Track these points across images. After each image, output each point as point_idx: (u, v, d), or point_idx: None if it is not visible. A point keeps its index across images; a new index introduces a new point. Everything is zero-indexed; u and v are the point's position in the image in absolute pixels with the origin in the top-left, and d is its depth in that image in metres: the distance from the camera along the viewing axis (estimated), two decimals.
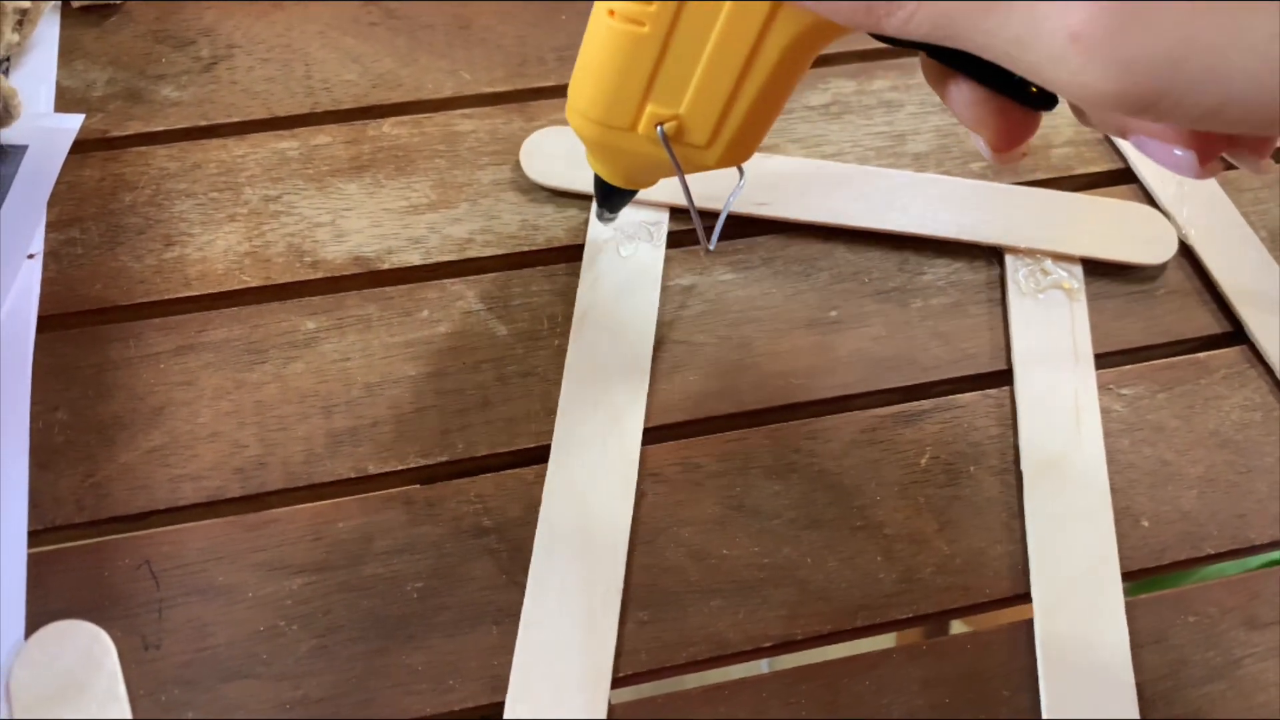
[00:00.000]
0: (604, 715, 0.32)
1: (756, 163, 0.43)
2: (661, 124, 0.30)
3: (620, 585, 0.34)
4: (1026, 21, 0.21)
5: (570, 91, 0.31)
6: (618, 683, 0.33)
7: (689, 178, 0.32)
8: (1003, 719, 0.33)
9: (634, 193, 0.36)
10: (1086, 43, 0.20)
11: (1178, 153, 0.25)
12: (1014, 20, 0.21)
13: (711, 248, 0.38)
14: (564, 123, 0.44)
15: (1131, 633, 0.34)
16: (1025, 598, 0.35)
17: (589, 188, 0.41)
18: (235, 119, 0.44)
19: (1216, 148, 0.25)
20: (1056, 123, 0.46)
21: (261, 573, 0.34)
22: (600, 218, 0.38)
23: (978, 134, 0.27)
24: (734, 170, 0.33)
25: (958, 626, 0.38)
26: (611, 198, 0.36)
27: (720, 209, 0.38)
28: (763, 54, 0.27)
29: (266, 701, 0.32)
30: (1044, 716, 0.32)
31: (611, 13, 0.28)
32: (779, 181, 0.42)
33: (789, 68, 0.28)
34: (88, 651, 0.32)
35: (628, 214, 0.41)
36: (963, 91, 0.26)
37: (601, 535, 0.35)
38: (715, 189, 0.38)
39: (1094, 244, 0.42)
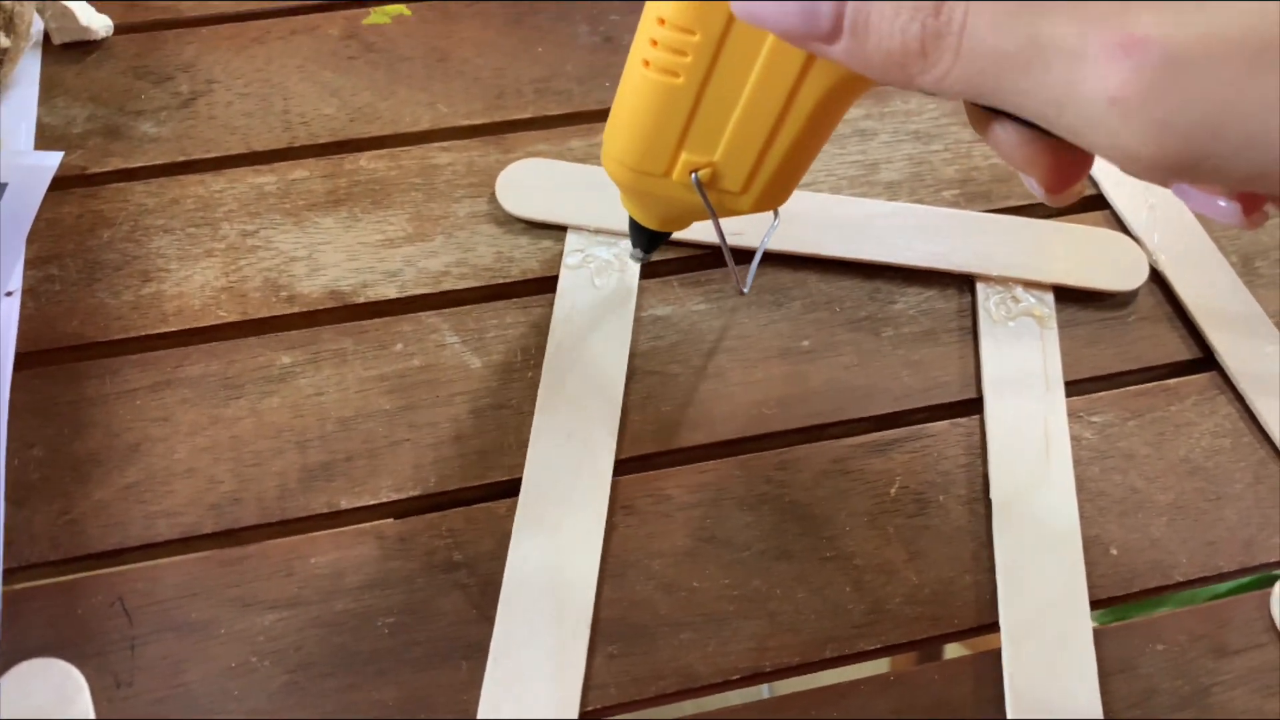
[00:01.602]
0: None
1: None
2: (696, 171, 0.30)
3: (589, 619, 0.34)
4: (1064, 83, 0.20)
5: (605, 138, 0.31)
6: (587, 716, 0.33)
7: (723, 222, 0.32)
8: None
9: (668, 235, 0.36)
10: (1125, 106, 0.20)
11: (1222, 204, 0.24)
12: (1051, 81, 0.20)
13: (746, 290, 0.38)
14: (540, 154, 0.44)
15: (1100, 661, 0.34)
16: (993, 627, 0.35)
17: (564, 219, 0.42)
18: (213, 154, 0.44)
19: (1262, 199, 0.24)
20: None
21: (235, 609, 0.35)
22: (633, 258, 0.38)
23: (1029, 175, 0.26)
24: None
25: (955, 650, 0.38)
26: (646, 240, 0.36)
27: (727, 247, 0.39)
28: (797, 104, 0.28)
29: None
30: None
31: (646, 63, 0.28)
32: None
33: (823, 117, 0.28)
34: (60, 689, 0.33)
35: (601, 247, 0.41)
36: (1009, 133, 0.25)
37: (571, 568, 0.35)
38: (731, 228, 0.39)
39: (1065, 271, 0.42)
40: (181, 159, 0.44)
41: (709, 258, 0.42)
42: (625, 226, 0.41)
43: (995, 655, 0.34)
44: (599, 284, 0.41)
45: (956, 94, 0.22)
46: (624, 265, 0.41)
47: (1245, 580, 0.37)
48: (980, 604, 0.35)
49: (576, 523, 0.36)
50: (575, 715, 0.32)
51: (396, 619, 0.35)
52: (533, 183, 0.43)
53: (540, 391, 0.38)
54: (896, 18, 0.22)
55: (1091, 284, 0.42)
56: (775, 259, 0.42)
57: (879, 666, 0.35)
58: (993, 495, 0.37)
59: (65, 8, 0.45)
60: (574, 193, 0.43)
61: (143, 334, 0.40)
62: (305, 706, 0.33)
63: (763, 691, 0.36)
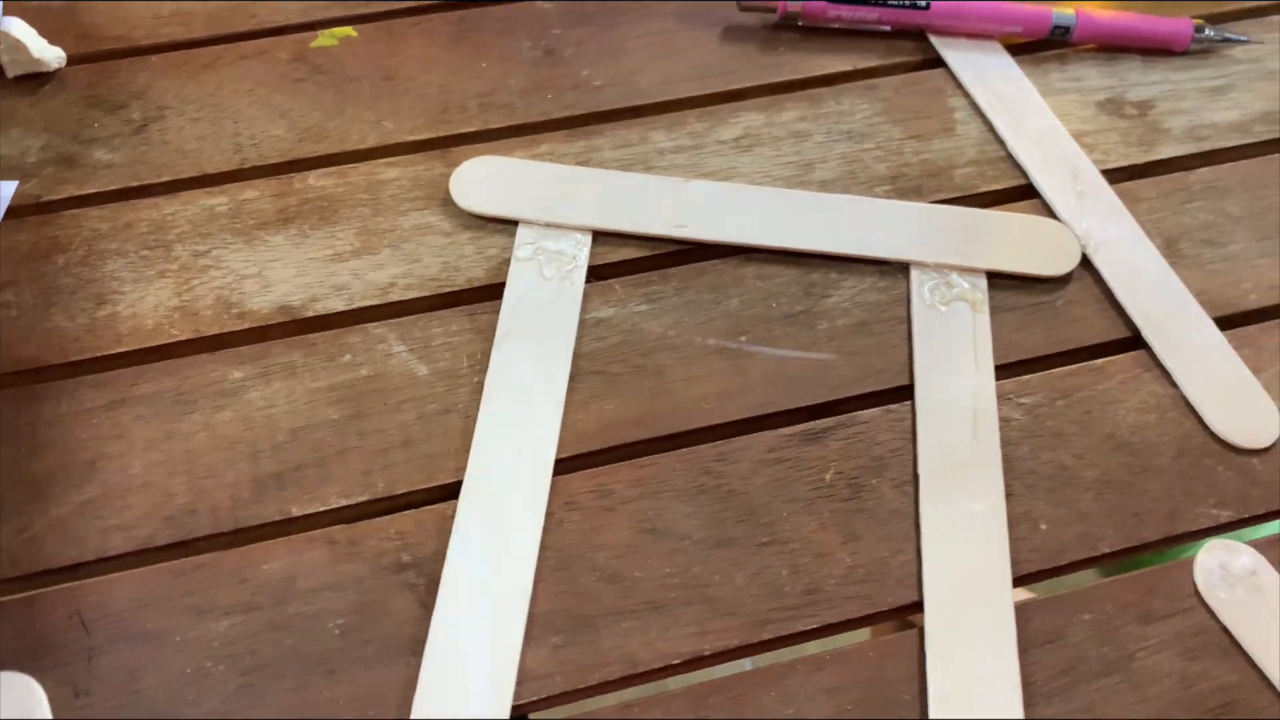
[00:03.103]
0: None
1: (674, 186, 0.44)
2: None
3: (525, 611, 0.35)
4: None
5: None
6: (532, 706, 0.34)
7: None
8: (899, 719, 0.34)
9: None
10: None
11: None
12: None
13: None
14: (492, 152, 0.46)
15: (1030, 632, 0.36)
16: (923, 604, 0.36)
17: (516, 213, 0.43)
18: (166, 178, 0.45)
19: None
20: (959, 144, 0.47)
21: (190, 617, 0.36)
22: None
23: None
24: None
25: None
26: None
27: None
28: None
29: None
30: (930, 717, 0.34)
31: None
32: (697, 204, 0.44)
33: None
34: (21, 701, 0.34)
35: (550, 240, 0.43)
36: None
37: (509, 562, 0.36)
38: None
39: (998, 257, 0.44)
40: (135, 184, 0.45)
41: (651, 259, 0.44)
42: (574, 220, 0.43)
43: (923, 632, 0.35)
44: (548, 275, 0.42)
45: None
46: (574, 257, 0.43)
47: (1172, 550, 0.38)
48: (912, 581, 0.36)
49: (516, 519, 0.37)
50: (509, 706, 0.33)
51: (347, 620, 0.36)
52: (486, 179, 0.45)
53: (485, 394, 0.40)
54: None
55: (1024, 269, 0.43)
56: (713, 252, 0.44)
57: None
58: (920, 476, 0.38)
59: (17, 41, 0.46)
60: (526, 188, 0.44)
61: (98, 355, 0.41)
62: (259, 708, 0.34)
63: (745, 665, 0.37)
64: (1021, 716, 0.34)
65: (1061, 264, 0.44)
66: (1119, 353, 0.42)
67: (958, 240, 0.43)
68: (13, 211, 0.44)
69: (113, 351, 0.41)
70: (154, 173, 0.45)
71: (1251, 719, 0.34)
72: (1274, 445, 0.40)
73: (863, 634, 0.36)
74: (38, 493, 0.37)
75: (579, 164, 0.46)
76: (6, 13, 0.48)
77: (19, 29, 0.46)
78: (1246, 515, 0.38)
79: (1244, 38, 0.51)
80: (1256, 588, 0.36)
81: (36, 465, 0.38)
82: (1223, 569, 0.36)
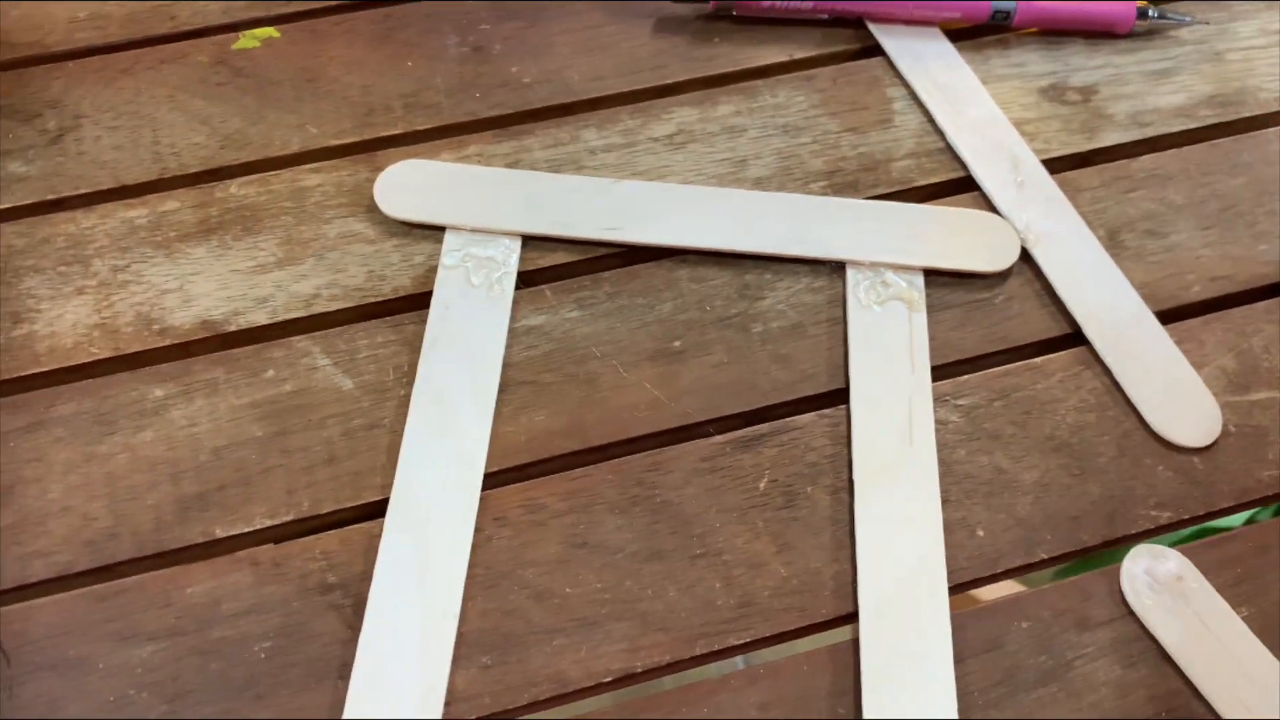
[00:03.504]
0: None
1: (605, 187, 0.44)
2: None
3: (454, 630, 0.34)
4: None
5: None
6: None
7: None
8: None
9: None
10: None
11: None
12: None
13: None
14: (419, 155, 0.45)
15: (966, 641, 0.35)
16: (856, 615, 0.35)
17: (443, 219, 0.42)
18: (83, 190, 0.44)
19: None
20: (897, 136, 0.46)
21: (112, 643, 0.35)
22: None
23: None
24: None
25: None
26: None
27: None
28: None
29: None
30: None
31: None
32: (629, 205, 0.43)
33: None
34: None
35: (478, 246, 0.42)
36: None
37: (437, 581, 0.35)
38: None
39: (936, 254, 0.43)
40: (51, 197, 0.44)
41: (583, 264, 0.43)
42: (503, 225, 0.42)
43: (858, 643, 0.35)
44: (475, 281, 0.41)
45: None
46: (503, 263, 0.42)
47: (1109, 553, 0.37)
48: (846, 591, 0.36)
49: (444, 536, 0.36)
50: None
51: (273, 643, 0.35)
52: (412, 184, 0.44)
53: (411, 407, 0.39)
54: None
55: (962, 265, 0.43)
56: (646, 255, 0.43)
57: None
58: (855, 480, 0.37)
59: None
60: (453, 192, 0.43)
61: (15, 376, 0.40)
62: None
63: (738, 663, 0.36)
64: None
65: (1001, 259, 0.43)
66: (1059, 350, 0.41)
67: (894, 237, 0.43)
68: None
69: (30, 372, 0.40)
70: (71, 185, 0.44)
71: None
72: (1214, 443, 0.39)
73: (802, 645, 0.36)
74: None
75: (508, 165, 0.45)
76: None
77: None
78: (1186, 516, 0.38)
79: (1188, 19, 0.50)
80: (1181, 594, 0.36)
81: None
82: (1148, 574, 0.36)
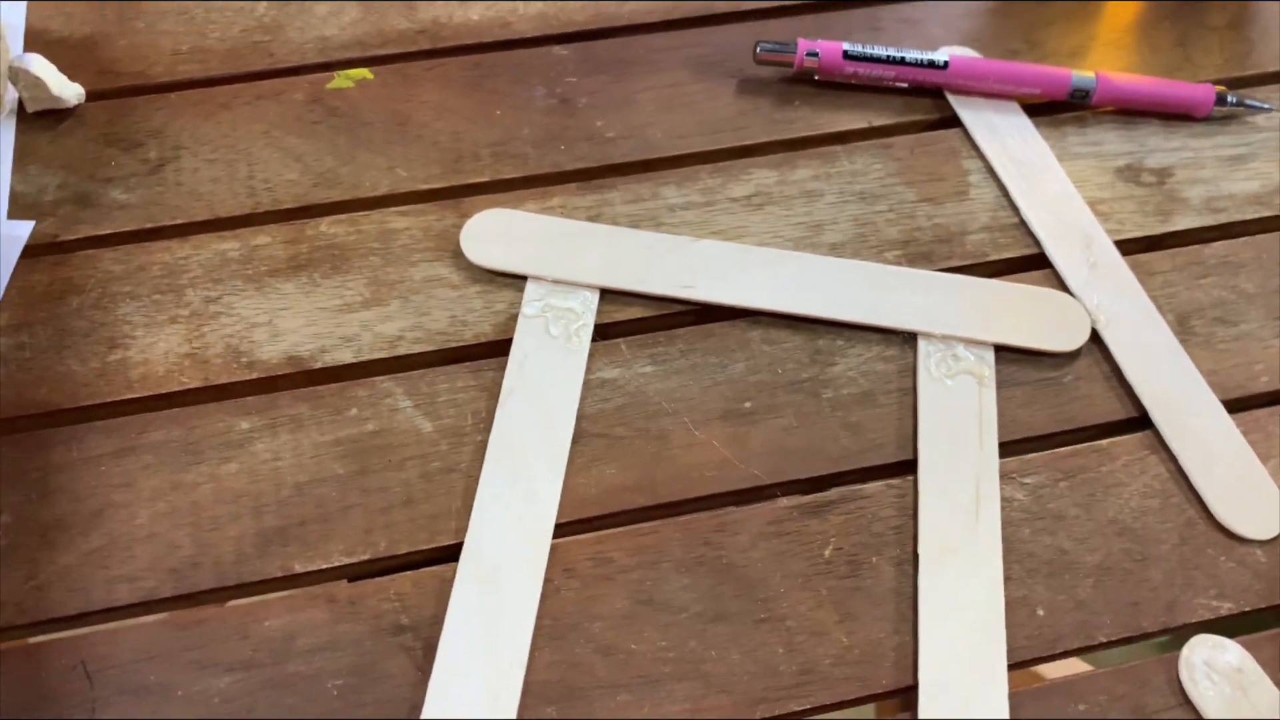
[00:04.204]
0: None
1: (682, 245, 0.45)
2: None
3: (520, 679, 0.35)
4: None
5: None
6: None
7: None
8: None
9: None
10: None
11: None
12: None
13: None
14: (504, 203, 0.46)
15: None
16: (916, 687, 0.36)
17: (525, 269, 0.44)
18: (179, 220, 0.46)
19: None
20: (972, 209, 0.47)
21: (191, 671, 0.36)
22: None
23: None
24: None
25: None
26: None
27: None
28: None
29: None
30: None
31: None
32: (705, 264, 0.44)
33: None
34: None
35: (558, 296, 0.43)
36: None
37: (506, 629, 0.36)
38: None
39: (1007, 330, 0.44)
40: (149, 225, 0.46)
41: (658, 319, 0.44)
42: (583, 278, 0.43)
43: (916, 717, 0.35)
44: (554, 332, 0.42)
45: None
46: (581, 314, 0.43)
47: (1164, 640, 0.38)
48: (906, 664, 0.37)
49: (514, 585, 0.37)
50: None
51: (345, 681, 0.36)
52: (496, 233, 0.45)
53: (487, 455, 0.40)
54: None
55: (1033, 343, 0.43)
56: (720, 314, 0.44)
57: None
58: (920, 555, 0.38)
59: (37, 78, 0.47)
60: (536, 244, 0.45)
61: (108, 400, 0.41)
62: None
63: None
64: None
65: (1071, 340, 0.43)
66: (1125, 433, 0.42)
67: (967, 311, 0.43)
68: (29, 251, 0.44)
69: (123, 397, 0.41)
70: (168, 214, 0.46)
71: None
72: (1278, 536, 0.39)
73: (860, 713, 0.36)
74: (46, 540, 0.38)
75: (590, 218, 0.46)
76: (27, 48, 0.48)
77: (39, 66, 0.47)
78: (1247, 608, 0.38)
79: (1267, 105, 0.51)
80: (1240, 686, 0.36)
81: (45, 512, 0.38)
82: (1207, 664, 0.36)
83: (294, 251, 0.45)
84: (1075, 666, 0.38)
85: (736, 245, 0.45)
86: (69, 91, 0.48)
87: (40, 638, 0.37)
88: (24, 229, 0.44)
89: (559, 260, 0.44)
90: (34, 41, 0.51)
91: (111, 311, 0.43)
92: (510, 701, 0.35)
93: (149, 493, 0.39)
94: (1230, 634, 0.37)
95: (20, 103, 0.48)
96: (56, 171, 0.47)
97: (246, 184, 0.47)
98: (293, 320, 0.43)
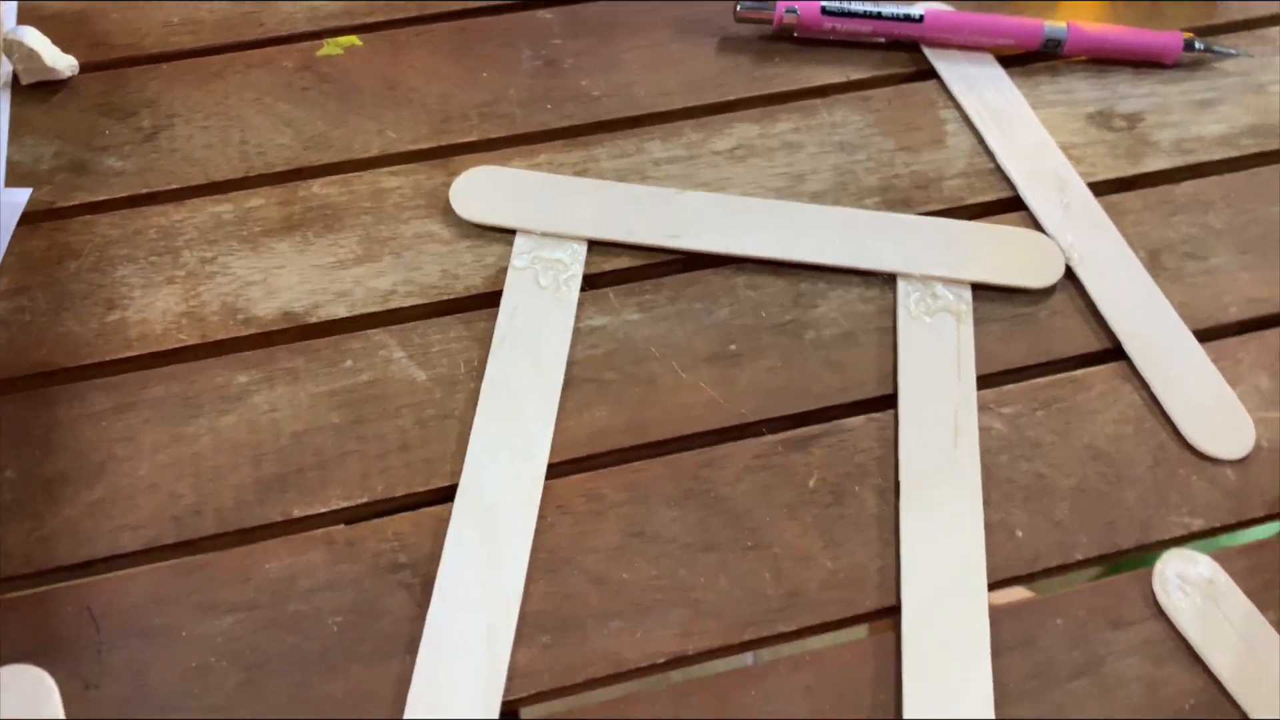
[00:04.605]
0: None
1: (668, 197, 0.46)
2: None
3: (517, 610, 0.36)
4: None
5: None
6: (521, 702, 0.36)
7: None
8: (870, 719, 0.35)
9: None
10: None
11: None
12: None
13: None
14: (492, 162, 0.47)
15: (1002, 637, 0.37)
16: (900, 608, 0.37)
17: (514, 223, 0.45)
18: (174, 185, 0.47)
19: None
20: (949, 156, 0.48)
21: (195, 614, 0.37)
22: None
23: None
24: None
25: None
26: None
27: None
28: None
29: None
30: (904, 717, 0.35)
31: None
32: (690, 215, 0.45)
33: None
34: (32, 693, 0.35)
35: (547, 249, 0.44)
36: None
37: (502, 564, 0.37)
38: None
39: (984, 269, 0.45)
40: (144, 191, 0.47)
41: (645, 269, 0.45)
42: (570, 230, 0.44)
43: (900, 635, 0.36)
44: (543, 283, 0.44)
45: None
46: (569, 265, 0.44)
47: (1143, 556, 0.39)
48: (891, 586, 0.38)
49: (509, 522, 0.38)
50: (499, 703, 0.35)
51: (345, 618, 0.37)
52: (485, 189, 0.46)
53: (480, 400, 0.41)
54: None
55: (1009, 281, 0.45)
56: (705, 262, 0.45)
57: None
58: (901, 483, 0.39)
59: (31, 50, 0.48)
60: (523, 198, 0.46)
61: (107, 359, 0.42)
62: (260, 702, 0.36)
63: (748, 659, 0.38)
64: (993, 717, 0.35)
65: (1046, 276, 0.45)
66: (1099, 364, 0.43)
67: (944, 252, 0.45)
68: (27, 218, 0.45)
69: (122, 356, 0.42)
70: (163, 180, 0.47)
71: None
72: (1247, 457, 0.41)
73: (846, 635, 0.38)
74: (50, 493, 0.39)
75: (577, 173, 0.47)
76: (21, 21, 0.50)
77: (33, 38, 0.48)
78: (1218, 524, 0.39)
79: (1233, 51, 0.52)
80: (1212, 597, 0.37)
81: (49, 466, 0.40)
82: (1180, 577, 0.37)
83: (287, 212, 0.46)
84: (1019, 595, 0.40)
85: (720, 195, 0.46)
86: (62, 63, 0.49)
87: (47, 587, 0.38)
88: (21, 195, 0.45)
89: (547, 214, 0.45)
90: (27, 15, 0.52)
91: (109, 274, 0.44)
92: (507, 632, 0.36)
93: (150, 445, 0.40)
94: (1202, 550, 0.39)
95: (15, 75, 0.49)
96: (52, 141, 0.48)
97: (240, 149, 0.48)
98: (287, 278, 0.44)
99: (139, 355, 0.42)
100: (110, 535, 0.38)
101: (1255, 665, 0.36)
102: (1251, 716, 0.35)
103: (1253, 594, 0.38)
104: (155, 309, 0.43)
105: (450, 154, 0.48)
